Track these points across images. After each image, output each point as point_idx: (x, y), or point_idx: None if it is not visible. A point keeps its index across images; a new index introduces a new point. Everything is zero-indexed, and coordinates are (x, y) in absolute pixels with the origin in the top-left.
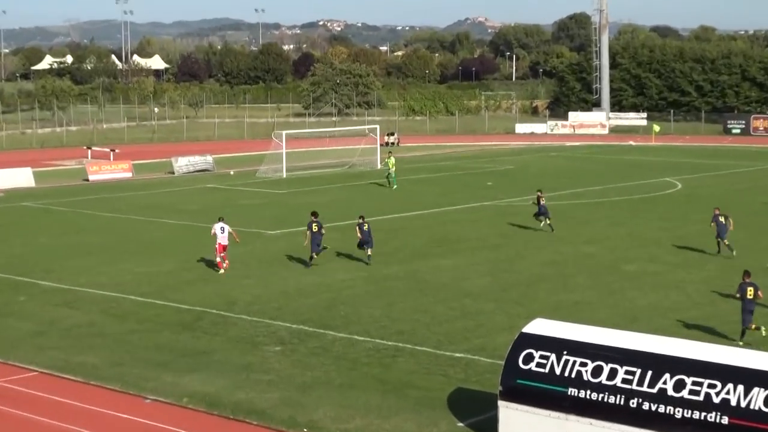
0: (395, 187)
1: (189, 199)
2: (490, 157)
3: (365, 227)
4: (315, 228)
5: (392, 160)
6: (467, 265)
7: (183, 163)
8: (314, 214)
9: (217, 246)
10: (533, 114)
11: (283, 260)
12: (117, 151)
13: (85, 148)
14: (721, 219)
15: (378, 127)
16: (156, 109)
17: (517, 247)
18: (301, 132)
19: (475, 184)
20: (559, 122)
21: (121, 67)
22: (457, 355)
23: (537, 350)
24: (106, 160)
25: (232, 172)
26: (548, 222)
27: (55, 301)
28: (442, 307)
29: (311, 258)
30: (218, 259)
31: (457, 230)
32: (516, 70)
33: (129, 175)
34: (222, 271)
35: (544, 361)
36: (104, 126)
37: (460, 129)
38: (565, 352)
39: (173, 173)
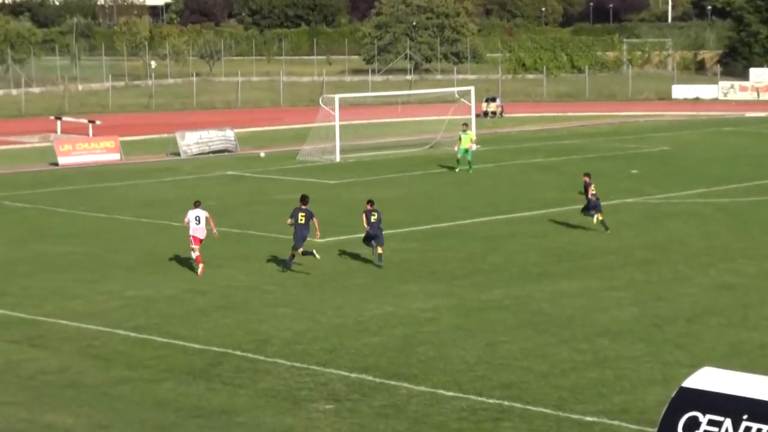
0: (471, 171)
1: (201, 192)
2: (635, 133)
3: (373, 217)
4: (302, 219)
5: (470, 134)
6: (602, 290)
7: (192, 141)
8: (302, 199)
9: (191, 239)
10: (698, 71)
11: (337, 279)
12: (98, 123)
13: (52, 118)
14: None
15: (473, 89)
16: (153, 63)
17: (676, 264)
18: (361, 96)
19: (613, 172)
20: (736, 83)
21: (102, 2)
22: (588, 418)
23: (704, 413)
24: (83, 136)
25: (262, 154)
26: (600, 219)
27: (12, 336)
28: (567, 350)
29: (292, 256)
30: (196, 254)
31: (587, 239)
32: (672, 7)
33: (116, 157)
34: (200, 271)
35: (716, 429)
36: (80, 87)
37: (592, 93)
38: (745, 417)
39: (178, 155)
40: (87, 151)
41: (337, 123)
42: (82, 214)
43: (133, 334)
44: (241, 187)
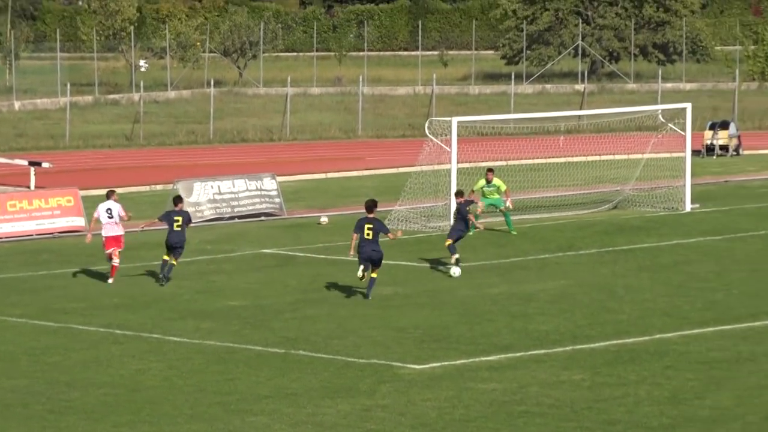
0: (514, 232)
1: (220, 285)
2: None
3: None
4: (368, 234)
5: (498, 183)
6: None
7: (205, 196)
8: (369, 208)
9: (104, 241)
10: None
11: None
12: (47, 165)
13: None
14: None
15: (689, 107)
16: (143, 64)
17: None
18: (496, 120)
19: None
20: None
21: None
22: None
23: None
24: (20, 190)
25: (324, 219)
26: None
27: None
28: None
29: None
30: (114, 262)
31: None
32: None
33: (76, 222)
34: (111, 280)
35: None
36: (16, 105)
37: None
38: None
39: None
40: (27, 213)
41: (454, 165)
42: (14, 322)
43: None
44: (288, 274)
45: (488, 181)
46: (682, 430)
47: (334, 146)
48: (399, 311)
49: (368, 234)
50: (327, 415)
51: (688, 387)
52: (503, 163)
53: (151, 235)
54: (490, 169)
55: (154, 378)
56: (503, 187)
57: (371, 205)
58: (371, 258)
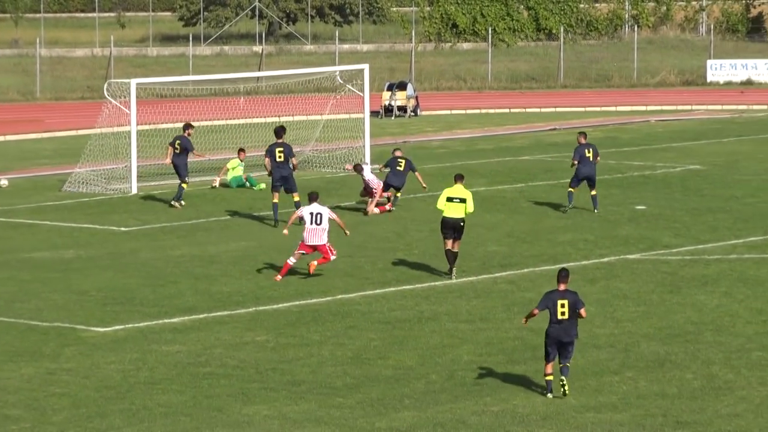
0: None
1: None
2: (643, 142)
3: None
4: (280, 156)
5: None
6: (584, 411)
7: None
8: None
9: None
10: (752, 35)
11: None
12: None
13: None
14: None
15: (366, 68)
16: None
17: (710, 364)
18: (175, 81)
19: (606, 209)
20: None
21: None
22: None
23: None
24: None
25: (4, 182)
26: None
27: None
28: None
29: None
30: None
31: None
32: None
33: None
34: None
35: None
36: None
37: (571, 74)
38: None
39: None
40: None
41: (133, 128)
42: None
43: None
44: None
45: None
46: (366, 390)
47: (11, 109)
48: (81, 274)
49: (280, 157)
50: (10, 380)
51: (371, 347)
52: (182, 124)
53: None
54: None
55: None
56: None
57: (280, 131)
58: (283, 176)
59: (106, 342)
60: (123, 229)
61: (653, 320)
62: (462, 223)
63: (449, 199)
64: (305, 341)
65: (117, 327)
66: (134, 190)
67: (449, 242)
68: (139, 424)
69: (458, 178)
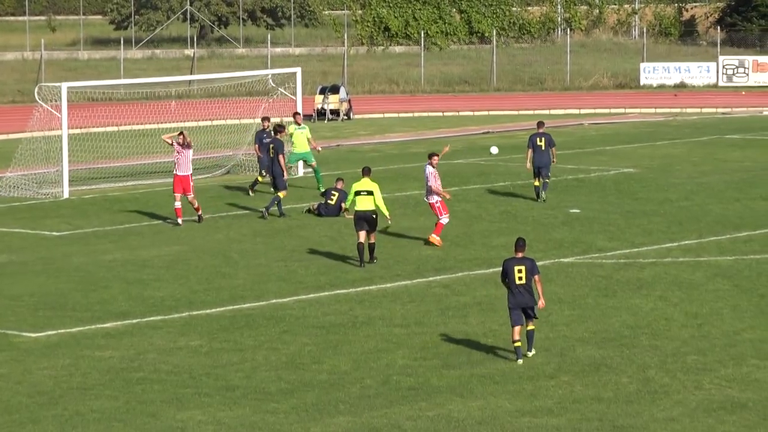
0: (321, 187)
1: None
2: (577, 146)
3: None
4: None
5: (302, 132)
6: (519, 415)
7: None
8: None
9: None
10: (684, 39)
11: None
12: None
13: None
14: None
15: (299, 72)
16: None
17: (645, 369)
18: (106, 85)
19: (539, 212)
20: (749, 59)
21: None
22: None
23: None
24: None
25: None
26: None
27: None
28: None
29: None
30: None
31: (491, 324)
32: None
33: None
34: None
35: None
36: None
37: (504, 78)
38: None
39: None
40: None
41: (64, 131)
42: None
43: None
44: None
45: (297, 126)
46: (301, 395)
47: None
48: (13, 279)
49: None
50: None
51: (306, 351)
52: (115, 128)
53: None
54: (296, 113)
55: None
56: (308, 135)
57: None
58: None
59: (39, 347)
60: (55, 233)
61: (588, 324)
62: (374, 216)
63: (357, 193)
64: (239, 346)
65: (49, 332)
66: (66, 195)
67: (362, 234)
68: (72, 430)
69: (365, 171)
